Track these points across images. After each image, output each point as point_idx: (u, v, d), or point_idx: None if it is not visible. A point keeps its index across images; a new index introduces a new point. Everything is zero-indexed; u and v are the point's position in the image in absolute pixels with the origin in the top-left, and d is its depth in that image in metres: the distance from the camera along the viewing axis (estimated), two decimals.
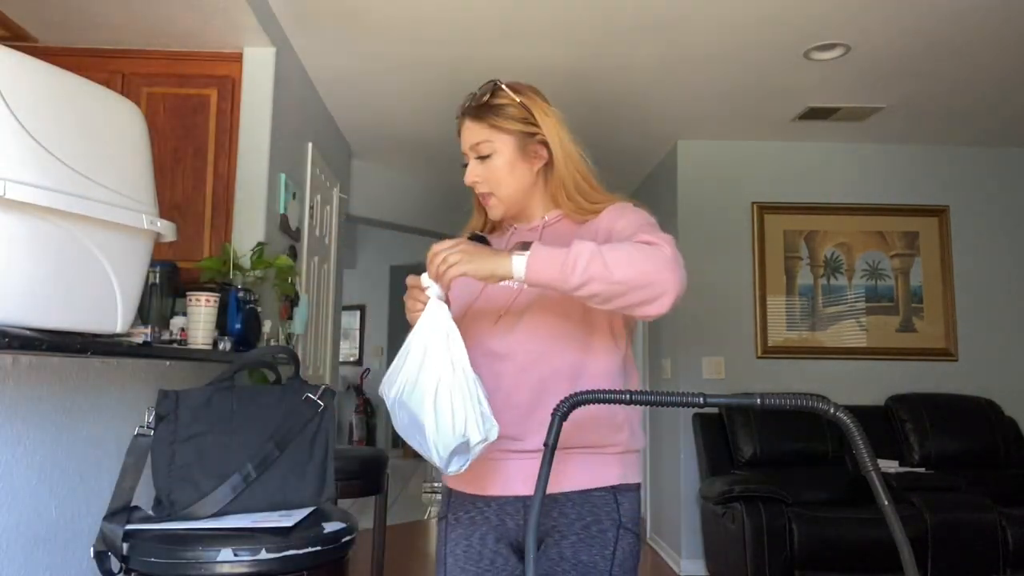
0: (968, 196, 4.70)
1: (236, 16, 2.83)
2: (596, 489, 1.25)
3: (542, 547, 1.26)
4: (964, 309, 4.60)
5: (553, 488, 1.24)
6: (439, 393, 1.10)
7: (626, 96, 4.01)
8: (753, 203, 4.66)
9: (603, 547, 1.23)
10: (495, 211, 1.37)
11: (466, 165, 1.37)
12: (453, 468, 1.13)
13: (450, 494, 1.38)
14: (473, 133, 1.34)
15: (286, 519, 1.47)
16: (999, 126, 4.38)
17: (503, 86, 1.34)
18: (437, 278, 1.14)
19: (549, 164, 1.35)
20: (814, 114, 4.20)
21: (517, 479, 1.26)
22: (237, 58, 3.11)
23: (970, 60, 3.50)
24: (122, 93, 2.94)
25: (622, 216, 1.29)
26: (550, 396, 1.20)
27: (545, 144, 1.34)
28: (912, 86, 3.82)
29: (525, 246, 1.15)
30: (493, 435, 1.11)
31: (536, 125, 1.32)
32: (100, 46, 3.10)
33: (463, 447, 1.10)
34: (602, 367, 1.28)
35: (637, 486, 1.31)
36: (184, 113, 3.08)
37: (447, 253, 1.13)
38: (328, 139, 4.28)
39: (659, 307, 1.15)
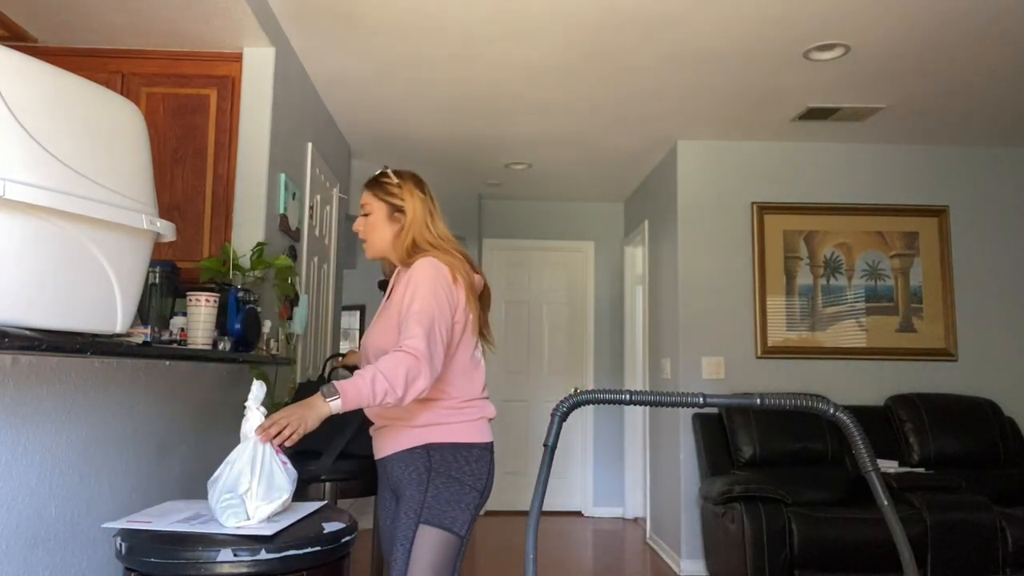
0: (968, 196, 4.70)
1: (236, 16, 2.83)
2: (413, 448, 1.82)
3: (399, 489, 1.83)
4: (964, 309, 4.60)
5: (385, 452, 1.87)
6: (241, 472, 1.52)
7: (626, 96, 4.01)
8: (753, 203, 4.66)
9: (418, 485, 1.79)
10: (368, 253, 1.98)
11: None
12: (230, 522, 1.49)
13: None
14: (364, 197, 1.98)
15: (266, 528, 1.47)
16: (999, 126, 4.38)
17: (388, 171, 1.98)
18: (283, 441, 1.55)
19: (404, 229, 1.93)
20: (814, 114, 4.20)
21: (378, 446, 1.93)
22: (237, 58, 3.11)
23: (970, 60, 3.51)
24: (122, 93, 2.95)
25: (410, 284, 1.81)
26: None
27: (405, 214, 1.93)
28: (912, 86, 3.82)
29: (332, 388, 1.63)
30: (261, 513, 1.51)
31: (403, 201, 1.94)
32: (100, 46, 3.09)
33: (240, 504, 1.50)
34: None
35: (454, 445, 1.82)
36: (184, 113, 3.08)
37: (283, 425, 1.56)
38: (328, 139, 4.28)
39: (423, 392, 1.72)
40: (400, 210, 1.94)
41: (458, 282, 1.85)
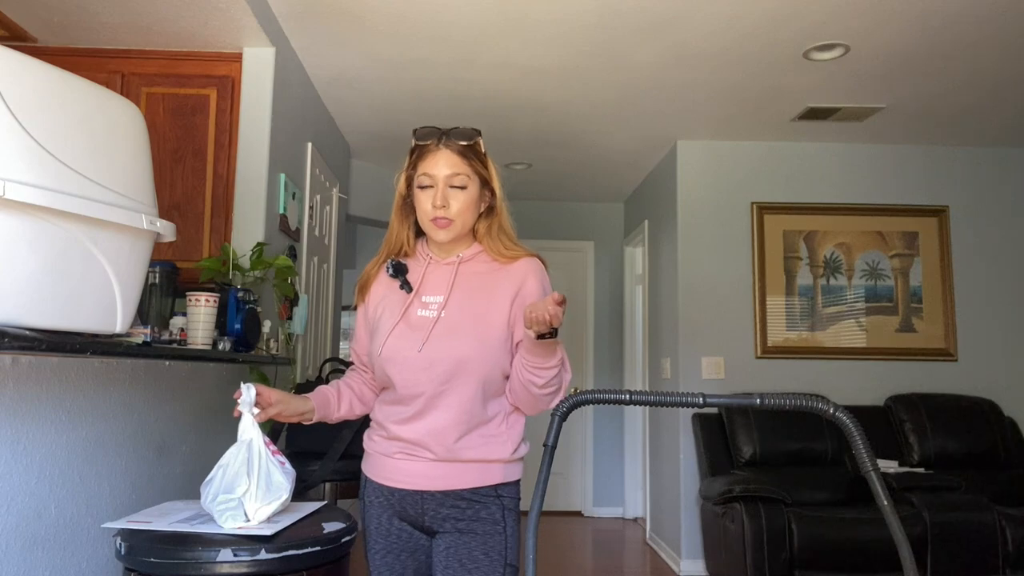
0: (968, 196, 4.70)
1: (236, 16, 2.83)
2: (483, 487, 1.57)
3: (447, 527, 1.57)
4: (964, 309, 4.60)
5: (453, 485, 1.55)
6: (237, 474, 1.49)
7: (626, 96, 4.01)
8: (753, 203, 4.66)
9: (494, 524, 1.56)
10: (447, 234, 1.57)
11: (422, 187, 1.57)
12: (229, 524, 1.45)
13: (366, 480, 1.65)
14: (455, 164, 1.56)
15: (266, 528, 1.46)
16: (999, 126, 4.38)
17: (481, 140, 1.60)
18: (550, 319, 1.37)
19: (489, 210, 1.63)
20: (814, 114, 4.20)
21: (414, 476, 1.57)
22: (236, 58, 3.11)
23: (970, 60, 3.51)
24: (122, 93, 2.95)
25: (536, 291, 1.57)
26: (451, 420, 1.54)
27: (493, 193, 1.62)
28: (912, 86, 3.82)
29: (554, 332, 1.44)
30: (261, 514, 1.48)
31: (491, 178, 1.61)
32: (100, 46, 3.10)
33: (238, 506, 1.48)
34: (495, 407, 1.59)
35: (516, 480, 1.63)
36: (184, 113, 3.08)
37: (547, 316, 1.37)
38: (328, 139, 4.28)
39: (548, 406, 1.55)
40: (489, 187, 1.61)
41: None
